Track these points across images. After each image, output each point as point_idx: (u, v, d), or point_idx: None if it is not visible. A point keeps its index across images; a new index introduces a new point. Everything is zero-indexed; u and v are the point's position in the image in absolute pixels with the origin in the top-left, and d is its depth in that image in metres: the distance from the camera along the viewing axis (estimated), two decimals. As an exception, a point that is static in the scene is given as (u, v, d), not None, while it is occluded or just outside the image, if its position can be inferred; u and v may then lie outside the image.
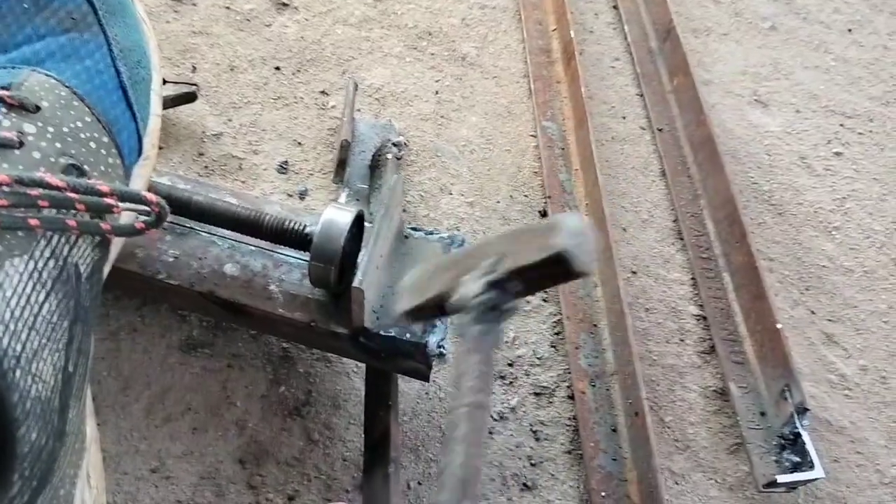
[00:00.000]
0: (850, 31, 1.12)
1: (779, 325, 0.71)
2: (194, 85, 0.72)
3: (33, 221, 0.33)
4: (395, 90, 0.83)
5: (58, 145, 0.36)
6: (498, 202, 0.78)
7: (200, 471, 0.57)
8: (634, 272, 0.77)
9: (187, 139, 0.73)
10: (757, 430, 0.69)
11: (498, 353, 0.68)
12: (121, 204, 0.36)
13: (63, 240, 0.35)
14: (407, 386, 0.64)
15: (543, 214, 0.78)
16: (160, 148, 0.71)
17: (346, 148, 0.70)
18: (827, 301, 0.81)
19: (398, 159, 0.73)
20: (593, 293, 0.73)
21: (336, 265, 0.51)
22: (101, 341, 0.62)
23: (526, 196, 0.79)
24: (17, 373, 0.31)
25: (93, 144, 0.39)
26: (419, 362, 0.54)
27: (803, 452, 0.65)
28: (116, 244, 0.43)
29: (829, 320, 0.80)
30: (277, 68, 0.81)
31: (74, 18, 0.41)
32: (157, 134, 0.47)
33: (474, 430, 0.34)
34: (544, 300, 0.72)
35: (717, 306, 0.75)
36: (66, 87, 0.39)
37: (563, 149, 0.82)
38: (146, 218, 0.38)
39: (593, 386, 0.67)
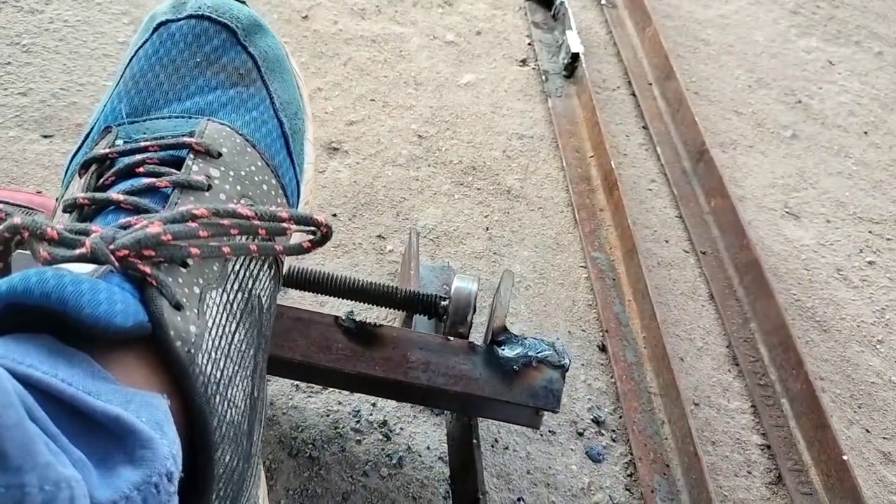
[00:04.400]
0: (866, 133, 1.16)
1: (845, 457, 0.72)
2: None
3: (226, 249, 0.36)
4: (447, 229, 0.86)
5: (238, 187, 0.41)
6: (557, 339, 0.79)
7: None
8: (697, 404, 0.78)
9: (256, 296, 0.74)
10: (834, 565, 0.69)
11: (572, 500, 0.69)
12: (294, 227, 0.39)
13: (247, 274, 0.39)
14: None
15: (603, 349, 0.79)
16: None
17: (413, 300, 0.72)
18: (880, 418, 0.83)
19: (464, 308, 0.75)
20: (661, 431, 0.74)
21: (469, 327, 0.58)
22: None
23: (584, 331, 0.81)
24: (217, 398, 0.34)
25: (265, 187, 0.43)
26: (554, 366, 0.56)
27: (883, 588, 0.66)
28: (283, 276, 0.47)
29: (884, 438, 0.81)
30: (334, 215, 0.84)
31: (241, 74, 0.45)
32: (313, 182, 0.51)
33: None
34: (613, 440, 0.74)
35: (780, 435, 0.77)
36: (240, 134, 0.43)
37: (613, 279, 0.85)
38: (312, 237, 0.41)
39: (672, 531, 0.68)
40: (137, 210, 0.36)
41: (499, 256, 0.85)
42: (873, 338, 0.90)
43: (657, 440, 0.74)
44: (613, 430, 0.74)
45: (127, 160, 0.39)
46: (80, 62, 0.89)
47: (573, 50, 1.03)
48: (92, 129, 0.44)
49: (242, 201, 0.40)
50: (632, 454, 0.73)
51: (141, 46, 0.44)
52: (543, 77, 1.05)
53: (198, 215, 0.35)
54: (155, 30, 0.44)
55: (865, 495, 0.75)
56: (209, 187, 0.39)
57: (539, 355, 0.57)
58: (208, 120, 0.42)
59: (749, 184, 1.02)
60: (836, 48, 1.30)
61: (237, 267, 0.39)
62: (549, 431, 0.73)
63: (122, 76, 0.44)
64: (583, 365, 0.78)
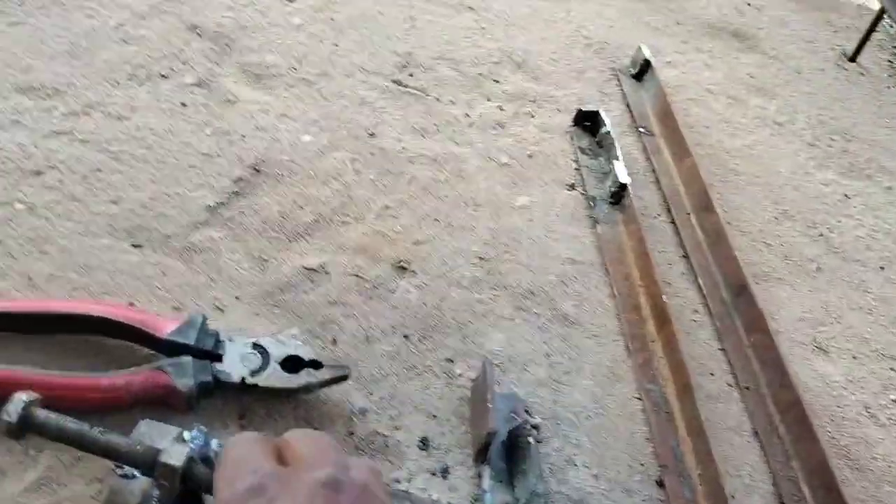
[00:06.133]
0: (882, 268, 1.24)
1: None
2: (347, 367, 0.77)
3: None
4: (511, 354, 0.89)
5: None
6: (619, 472, 0.83)
7: None
8: (748, 543, 0.82)
9: (338, 417, 0.77)
10: None
11: None
12: None
13: None
14: None
15: (661, 485, 0.83)
16: (315, 428, 0.75)
17: (491, 435, 0.75)
18: (913, 560, 0.87)
19: (538, 441, 0.78)
20: (719, 571, 0.78)
21: None
22: None
23: (642, 465, 0.84)
24: None
25: None
26: None
27: None
28: None
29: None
30: (406, 336, 0.87)
31: None
32: None
33: None
34: (673, 577, 0.77)
35: (827, 578, 0.81)
36: None
37: (668, 412, 0.89)
38: None
39: None
40: None
41: (560, 384, 0.89)
42: (902, 478, 0.95)
43: (716, 580, 0.77)
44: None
45: None
46: (167, 172, 0.92)
47: (621, 181, 1.09)
48: None
49: None
50: None
51: None
52: (591, 203, 1.11)
53: None
54: None
55: None
56: None
57: None
58: None
59: (782, 316, 1.08)
60: (850, 181, 1.39)
61: None
62: (616, 568, 0.76)
63: None
64: (643, 501, 0.81)
